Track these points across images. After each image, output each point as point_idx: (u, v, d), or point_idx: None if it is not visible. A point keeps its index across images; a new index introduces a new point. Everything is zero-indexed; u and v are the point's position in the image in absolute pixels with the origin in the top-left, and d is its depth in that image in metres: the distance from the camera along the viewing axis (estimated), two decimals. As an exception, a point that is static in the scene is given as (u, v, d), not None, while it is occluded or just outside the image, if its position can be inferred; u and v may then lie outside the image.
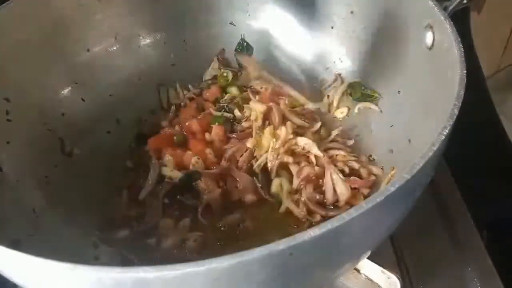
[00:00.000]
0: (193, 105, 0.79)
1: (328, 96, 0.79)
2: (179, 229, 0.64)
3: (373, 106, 0.73)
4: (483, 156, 0.78)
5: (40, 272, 0.36)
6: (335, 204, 0.65)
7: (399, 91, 0.67)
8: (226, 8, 0.85)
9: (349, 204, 0.64)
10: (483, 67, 0.90)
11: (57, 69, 0.75)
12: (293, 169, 0.67)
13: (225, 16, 0.85)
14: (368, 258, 0.58)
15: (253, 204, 0.67)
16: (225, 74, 0.82)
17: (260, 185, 0.67)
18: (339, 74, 0.79)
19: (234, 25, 0.86)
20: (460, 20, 0.60)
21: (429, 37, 0.59)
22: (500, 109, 0.90)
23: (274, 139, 0.69)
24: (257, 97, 0.76)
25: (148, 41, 0.84)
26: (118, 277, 0.32)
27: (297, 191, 0.66)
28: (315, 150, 0.67)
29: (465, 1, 0.58)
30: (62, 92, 0.76)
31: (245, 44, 0.86)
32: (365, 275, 0.61)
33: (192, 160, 0.69)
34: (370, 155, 0.71)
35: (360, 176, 0.67)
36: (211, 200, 0.66)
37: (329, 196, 0.64)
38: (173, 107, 0.81)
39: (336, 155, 0.69)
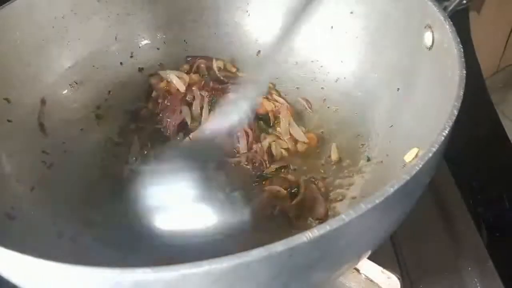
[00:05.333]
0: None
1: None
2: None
3: None
4: (483, 156, 0.78)
5: (38, 272, 0.36)
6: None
7: (398, 91, 0.67)
8: (226, 8, 0.85)
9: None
10: (483, 67, 0.90)
11: (57, 69, 0.75)
12: None
13: (225, 16, 0.85)
14: (368, 258, 0.58)
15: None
16: None
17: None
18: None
19: (234, 25, 0.86)
20: (460, 20, 0.60)
21: (428, 37, 0.58)
22: (500, 109, 0.90)
23: None
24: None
25: (148, 41, 0.85)
26: (117, 278, 0.32)
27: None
28: None
29: (464, 1, 0.57)
30: (63, 92, 0.76)
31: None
32: (365, 275, 0.61)
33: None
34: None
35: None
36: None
37: None
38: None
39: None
